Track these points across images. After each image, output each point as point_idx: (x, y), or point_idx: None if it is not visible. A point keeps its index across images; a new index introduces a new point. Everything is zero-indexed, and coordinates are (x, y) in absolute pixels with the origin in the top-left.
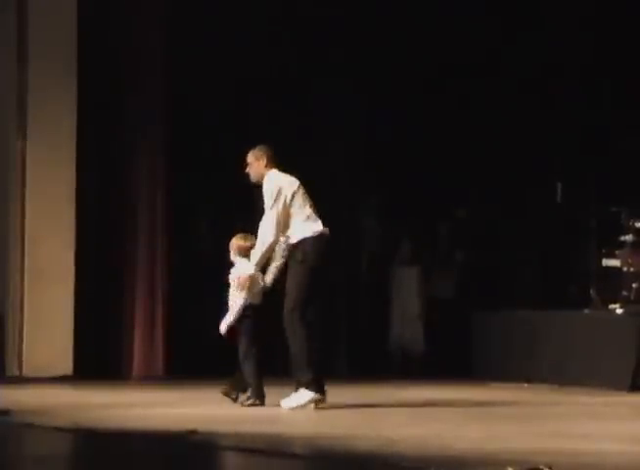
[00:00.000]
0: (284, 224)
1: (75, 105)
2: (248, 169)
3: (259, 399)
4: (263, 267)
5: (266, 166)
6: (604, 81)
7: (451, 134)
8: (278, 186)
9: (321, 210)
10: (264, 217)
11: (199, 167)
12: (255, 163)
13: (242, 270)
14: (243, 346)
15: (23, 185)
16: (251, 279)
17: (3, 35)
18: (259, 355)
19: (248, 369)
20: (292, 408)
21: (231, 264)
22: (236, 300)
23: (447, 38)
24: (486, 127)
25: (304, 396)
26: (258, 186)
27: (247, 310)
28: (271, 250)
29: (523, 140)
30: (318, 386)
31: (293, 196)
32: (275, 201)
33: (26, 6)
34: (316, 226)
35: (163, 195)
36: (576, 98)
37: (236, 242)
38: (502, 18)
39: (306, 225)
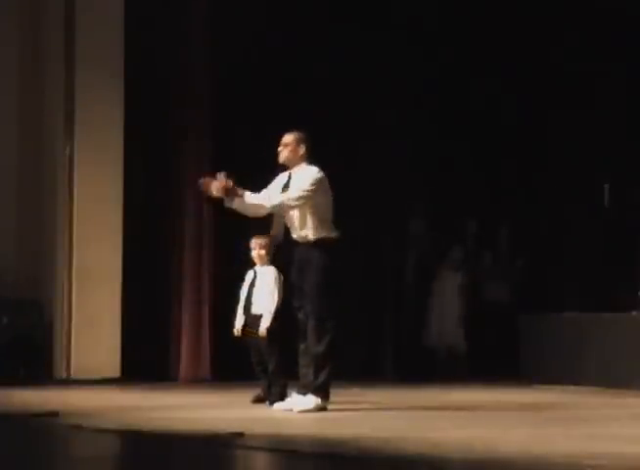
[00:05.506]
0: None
1: (123, 107)
2: (281, 149)
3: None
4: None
5: (301, 156)
6: None
7: (500, 139)
8: (322, 180)
9: (368, 211)
10: (295, 191)
11: (246, 164)
12: (295, 147)
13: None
14: (275, 346)
15: (71, 187)
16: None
17: (50, 38)
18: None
19: (276, 369)
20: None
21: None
22: (271, 302)
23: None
24: (533, 132)
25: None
26: (282, 167)
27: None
28: (278, 210)
29: (571, 144)
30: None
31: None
32: (314, 191)
33: (74, 9)
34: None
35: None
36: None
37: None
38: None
39: (330, 226)
